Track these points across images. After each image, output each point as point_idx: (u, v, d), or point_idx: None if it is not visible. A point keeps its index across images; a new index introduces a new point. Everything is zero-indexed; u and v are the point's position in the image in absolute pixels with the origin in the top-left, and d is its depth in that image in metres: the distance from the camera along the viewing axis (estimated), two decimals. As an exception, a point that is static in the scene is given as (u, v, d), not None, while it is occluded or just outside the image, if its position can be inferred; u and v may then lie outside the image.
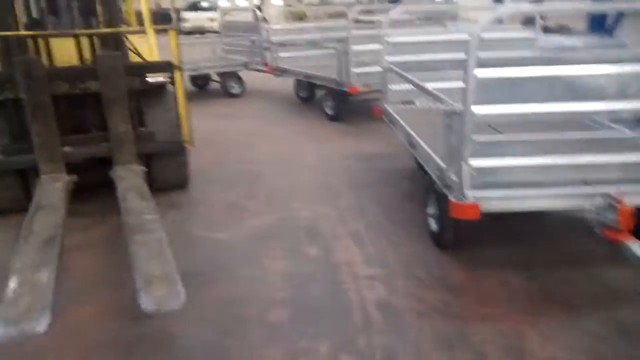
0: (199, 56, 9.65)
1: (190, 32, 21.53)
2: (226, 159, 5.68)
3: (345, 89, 7.17)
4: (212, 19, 27.07)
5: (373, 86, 7.07)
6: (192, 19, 23.69)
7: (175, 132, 4.39)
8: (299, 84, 8.87)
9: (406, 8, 6.13)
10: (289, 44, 8.88)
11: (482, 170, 2.94)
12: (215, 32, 25.35)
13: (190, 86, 9.55)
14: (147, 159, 4.26)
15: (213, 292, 3.01)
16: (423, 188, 3.94)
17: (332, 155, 5.74)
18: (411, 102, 4.65)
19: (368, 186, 4.73)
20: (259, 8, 22.64)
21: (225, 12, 14.07)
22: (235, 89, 9.28)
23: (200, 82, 9.97)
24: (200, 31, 21.27)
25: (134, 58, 4.55)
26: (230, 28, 10.39)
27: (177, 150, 4.44)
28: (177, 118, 4.33)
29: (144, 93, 4.35)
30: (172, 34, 4.15)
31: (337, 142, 6.31)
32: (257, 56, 9.18)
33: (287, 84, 9.34)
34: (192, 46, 9.51)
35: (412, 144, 4.30)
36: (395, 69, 5.06)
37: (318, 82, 7.99)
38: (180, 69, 4.21)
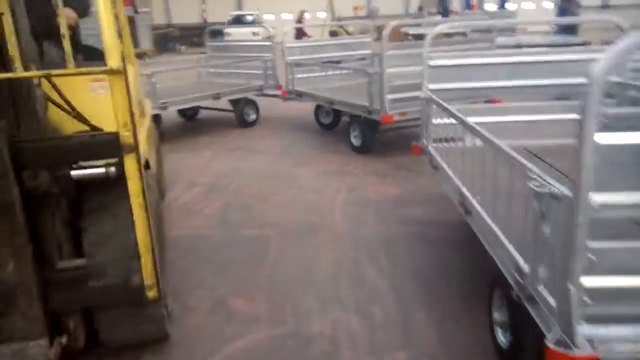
0: (217, 80, 8.74)
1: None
2: (230, 217, 4.59)
3: (376, 118, 6.08)
4: (255, 34, 26.63)
5: (411, 113, 6.04)
6: (235, 34, 23.14)
7: (127, 269, 2.28)
8: (320, 109, 7.81)
9: (453, 23, 5.02)
10: (307, 64, 7.86)
11: (601, 294, 1.74)
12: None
13: (177, 117, 8.56)
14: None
15: None
16: (486, 279, 2.73)
17: (363, 212, 4.57)
18: (459, 140, 3.49)
19: (415, 278, 3.34)
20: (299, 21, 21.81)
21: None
22: (251, 116, 8.29)
23: (189, 112, 8.66)
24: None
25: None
26: (237, 49, 9.28)
27: (129, 302, 2.35)
28: (131, 243, 2.22)
29: (81, 192, 2.44)
30: (115, 80, 2.05)
31: (369, 188, 5.16)
32: (272, 79, 8.18)
33: (305, 108, 8.33)
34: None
35: (466, 208, 3.12)
36: (439, 100, 3.92)
37: (342, 109, 6.92)
38: (133, 148, 2.11)
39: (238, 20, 27.70)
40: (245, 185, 5.43)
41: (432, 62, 4.68)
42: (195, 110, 8.69)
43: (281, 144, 7.10)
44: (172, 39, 28.46)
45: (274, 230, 4.23)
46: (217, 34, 26.27)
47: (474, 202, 2.96)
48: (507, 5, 13.34)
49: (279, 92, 8.10)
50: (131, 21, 23.62)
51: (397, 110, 6.09)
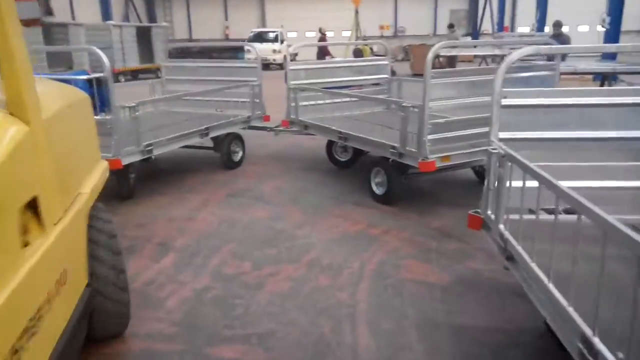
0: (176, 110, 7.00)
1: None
2: (201, 319, 3.10)
3: (411, 164, 4.65)
4: (276, 51, 25.44)
5: (455, 157, 4.77)
6: (254, 51, 22.00)
7: None
8: (335, 143, 6.33)
9: (532, 46, 3.60)
10: (313, 90, 6.43)
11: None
12: (279, 65, 24.72)
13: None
14: None
15: None
16: None
17: (401, 321, 3.08)
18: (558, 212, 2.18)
19: None
20: (322, 39, 20.48)
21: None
22: (238, 154, 6.65)
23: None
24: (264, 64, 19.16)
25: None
26: (204, 72, 7.33)
27: None
28: None
29: None
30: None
31: (406, 270, 3.65)
32: (259, 108, 6.72)
33: (303, 144, 6.97)
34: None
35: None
36: (521, 159, 2.51)
37: (362, 148, 5.49)
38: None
39: (260, 37, 26.59)
40: (234, 255, 3.97)
41: (506, 101, 3.25)
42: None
43: (286, 189, 5.65)
44: (190, 54, 27.50)
45: (262, 351, 2.74)
46: (238, 50, 25.37)
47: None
48: (563, 28, 11.80)
49: (266, 125, 6.83)
50: (145, 33, 23.00)
51: (438, 155, 4.65)
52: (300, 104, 6.30)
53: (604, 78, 10.10)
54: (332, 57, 16.75)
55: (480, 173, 5.75)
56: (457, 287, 3.40)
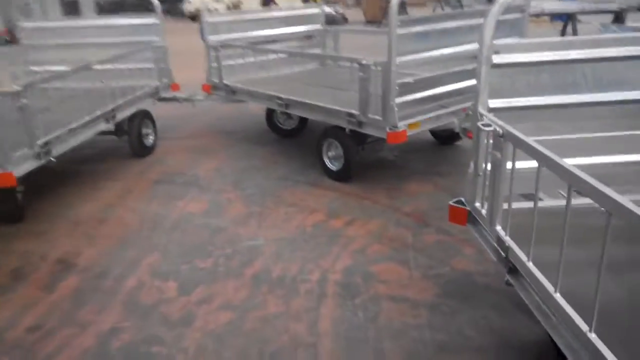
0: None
1: (193, 18, 17.82)
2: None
3: (375, 134, 3.82)
4: (219, 0, 23.69)
5: (425, 123, 4.05)
6: (195, 1, 20.04)
7: None
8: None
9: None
10: (237, 47, 5.31)
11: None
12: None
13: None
14: None
15: None
16: None
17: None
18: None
19: None
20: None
21: None
22: (150, 138, 5.23)
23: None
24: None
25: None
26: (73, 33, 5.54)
27: None
28: None
29: None
30: None
31: (379, 280, 2.84)
32: (165, 76, 5.38)
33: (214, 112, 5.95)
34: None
35: None
36: (521, 136, 1.72)
37: (309, 116, 4.59)
38: None
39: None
40: (155, 272, 3.04)
41: (498, 58, 2.42)
42: None
43: (226, 171, 4.68)
44: (126, 7, 24.78)
45: None
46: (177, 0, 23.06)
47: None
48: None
49: (178, 95, 5.55)
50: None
51: (407, 121, 3.83)
52: (224, 63, 5.20)
53: (569, 18, 9.41)
54: (277, 5, 15.34)
55: (438, 134, 5.00)
56: (446, 303, 2.63)
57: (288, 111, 4.69)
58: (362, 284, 2.82)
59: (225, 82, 5.17)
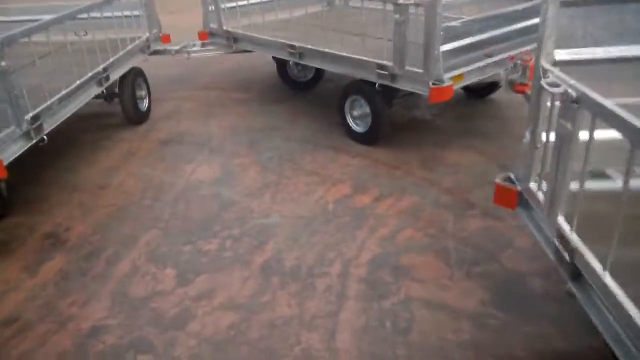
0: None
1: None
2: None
3: (413, 89, 3.25)
4: None
5: (468, 75, 3.44)
6: None
7: None
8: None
9: None
10: None
11: None
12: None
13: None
14: None
15: None
16: None
17: None
18: None
19: None
20: None
21: None
22: (144, 101, 4.46)
23: None
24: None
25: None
26: None
27: None
28: None
29: None
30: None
31: (413, 280, 2.36)
32: (155, 25, 4.59)
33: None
34: None
35: None
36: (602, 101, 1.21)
37: (329, 68, 3.99)
38: None
39: None
40: (152, 254, 2.63)
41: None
42: None
43: (242, 129, 4.16)
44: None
45: None
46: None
47: None
48: None
49: (170, 47, 4.75)
50: None
51: (451, 73, 3.24)
52: (224, 6, 4.50)
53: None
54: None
55: (470, 86, 4.22)
56: (494, 314, 2.14)
57: (302, 62, 4.08)
58: (391, 281, 2.35)
59: (225, 28, 4.54)
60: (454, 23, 3.28)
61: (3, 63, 2.63)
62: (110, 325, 2.19)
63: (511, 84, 2.77)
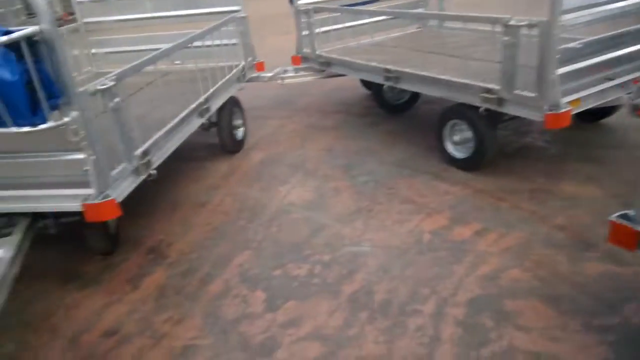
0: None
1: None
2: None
3: (524, 115, 3.01)
4: None
5: (586, 100, 3.12)
6: None
7: None
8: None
9: None
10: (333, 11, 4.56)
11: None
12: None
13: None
14: None
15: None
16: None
17: None
18: None
19: None
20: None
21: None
22: (240, 130, 4.43)
23: None
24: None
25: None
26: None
27: None
28: None
29: None
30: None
31: (508, 328, 2.12)
32: (250, 54, 4.54)
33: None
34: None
35: None
36: None
37: (428, 93, 3.81)
38: None
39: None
40: (244, 276, 2.65)
41: None
42: None
43: (338, 152, 4.12)
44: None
45: None
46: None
47: None
48: None
49: (263, 74, 4.72)
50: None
51: (568, 97, 2.95)
52: (318, 30, 4.52)
53: None
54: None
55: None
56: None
57: (398, 85, 3.95)
58: (492, 327, 2.13)
59: (319, 52, 4.55)
60: (572, 45, 3.00)
61: (117, 99, 2.55)
62: (201, 345, 2.22)
63: (635, 109, 2.46)
